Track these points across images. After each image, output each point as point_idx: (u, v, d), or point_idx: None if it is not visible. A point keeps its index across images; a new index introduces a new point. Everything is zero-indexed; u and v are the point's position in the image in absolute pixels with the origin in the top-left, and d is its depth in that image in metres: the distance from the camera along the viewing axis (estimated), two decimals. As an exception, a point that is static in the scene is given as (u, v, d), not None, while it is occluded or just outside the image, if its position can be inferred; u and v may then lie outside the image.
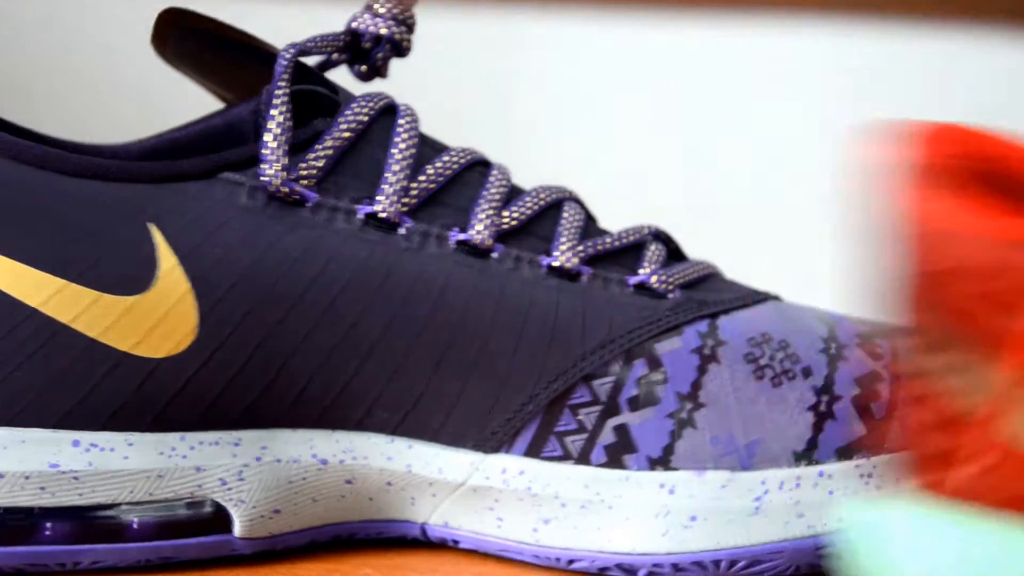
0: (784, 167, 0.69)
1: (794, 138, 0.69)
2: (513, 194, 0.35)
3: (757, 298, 0.35)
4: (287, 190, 0.31)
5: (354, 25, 0.36)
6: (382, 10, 0.36)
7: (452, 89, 0.63)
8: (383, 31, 0.36)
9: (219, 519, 0.32)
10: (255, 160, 0.31)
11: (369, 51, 0.36)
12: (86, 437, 0.30)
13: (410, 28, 0.37)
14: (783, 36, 0.68)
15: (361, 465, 0.32)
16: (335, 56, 0.37)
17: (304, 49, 0.33)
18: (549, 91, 0.71)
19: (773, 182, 0.69)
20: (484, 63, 0.69)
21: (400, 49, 0.36)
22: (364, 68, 0.37)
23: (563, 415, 0.32)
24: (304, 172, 0.31)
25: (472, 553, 0.34)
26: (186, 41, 0.36)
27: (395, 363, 0.31)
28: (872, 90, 0.68)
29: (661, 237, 0.36)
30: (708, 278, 0.36)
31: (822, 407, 0.32)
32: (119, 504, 0.30)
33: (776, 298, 0.36)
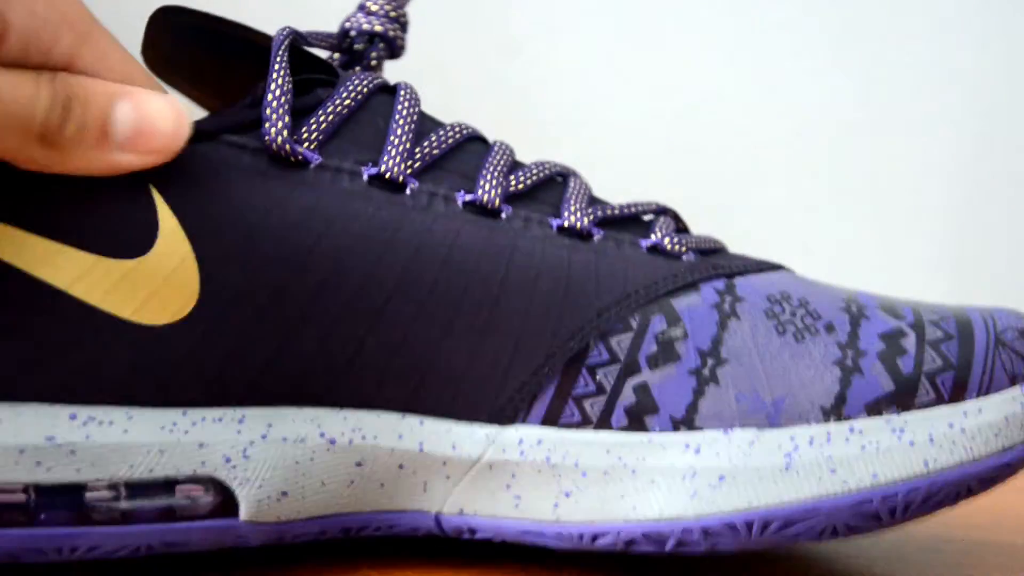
0: (787, 166, 0.69)
1: (796, 136, 0.69)
2: (516, 167, 0.34)
3: (770, 266, 0.34)
4: (289, 148, 0.30)
5: (347, 24, 0.36)
6: (375, 8, 0.36)
7: (450, 87, 0.63)
8: (377, 29, 0.35)
9: (225, 504, 0.30)
10: (258, 123, 0.30)
11: (363, 51, 0.36)
12: (84, 410, 0.28)
13: (404, 27, 0.36)
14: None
15: (371, 446, 0.31)
16: (329, 55, 0.37)
17: (299, 34, 0.33)
18: (550, 92, 0.71)
19: (775, 180, 0.69)
20: (484, 64, 0.69)
21: (394, 48, 0.36)
22: (358, 68, 0.36)
23: (580, 376, 0.31)
24: (307, 135, 0.30)
25: (475, 556, 0.33)
26: (178, 44, 0.36)
27: (403, 328, 0.30)
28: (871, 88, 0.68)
29: (668, 212, 0.36)
30: (717, 252, 0.35)
31: (848, 362, 0.31)
32: (118, 482, 0.29)
33: (784, 268, 0.36)
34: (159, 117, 0.28)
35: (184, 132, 0.28)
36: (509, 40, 0.69)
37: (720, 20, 0.68)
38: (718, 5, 0.68)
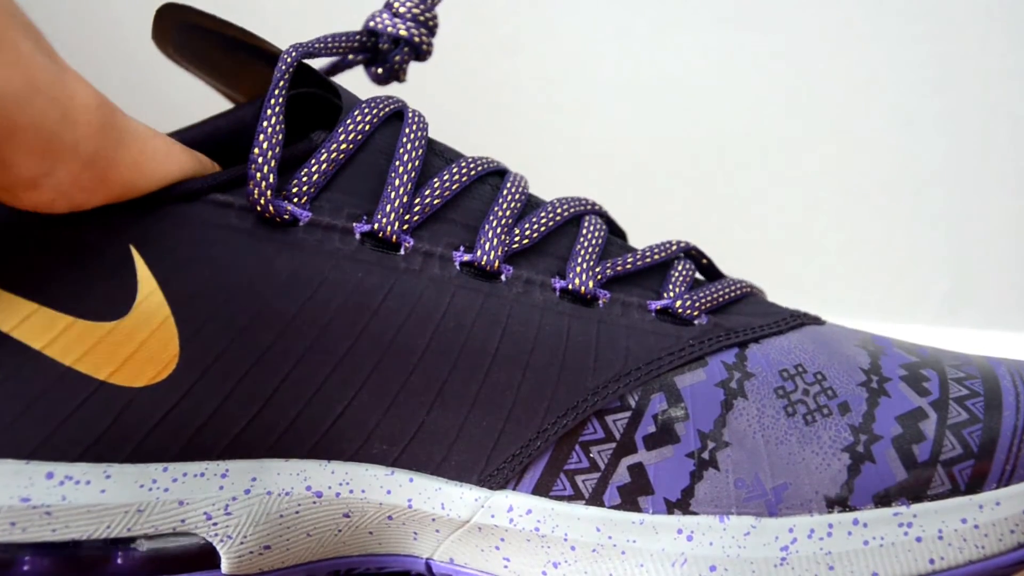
0: (788, 165, 0.67)
1: (797, 135, 0.67)
2: (529, 207, 0.32)
3: (794, 322, 0.32)
4: (274, 209, 0.28)
5: (372, 24, 0.34)
6: (402, 9, 0.33)
7: (458, 84, 0.62)
8: (402, 33, 0.33)
9: (208, 554, 0.30)
10: (245, 179, 0.29)
11: (387, 53, 0.34)
12: (60, 469, 0.28)
13: (431, 31, 0.34)
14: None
15: (359, 499, 0.30)
16: (351, 57, 0.35)
17: (310, 51, 0.31)
18: (548, 90, 0.69)
19: (776, 179, 0.67)
20: (488, 61, 0.67)
21: (420, 53, 0.34)
22: (380, 71, 0.34)
23: (574, 452, 0.29)
24: (296, 189, 0.29)
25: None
26: (189, 38, 0.34)
27: (392, 393, 0.29)
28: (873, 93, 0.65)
29: (692, 254, 0.34)
30: (742, 299, 0.33)
31: (859, 448, 0.29)
32: (97, 539, 0.28)
33: (817, 320, 0.33)
34: None
35: None
36: (508, 38, 0.66)
37: (721, 19, 0.65)
38: (719, 5, 0.65)
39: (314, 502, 0.30)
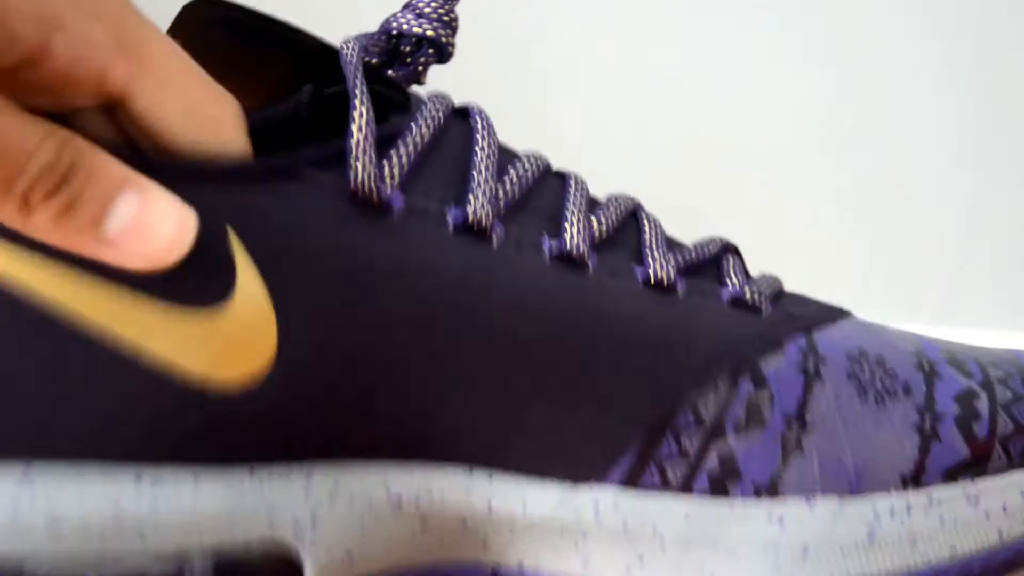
0: (790, 164, 0.69)
1: (801, 135, 0.68)
2: (594, 205, 0.32)
3: (835, 314, 0.33)
4: (376, 193, 0.27)
5: (392, 25, 0.33)
6: (427, 10, 0.33)
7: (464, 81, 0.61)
8: (429, 33, 0.33)
9: (292, 562, 0.28)
10: (339, 157, 0.27)
11: (407, 55, 0.33)
12: (150, 473, 0.26)
13: (454, 30, 0.34)
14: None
15: (438, 502, 0.29)
16: (372, 60, 0.34)
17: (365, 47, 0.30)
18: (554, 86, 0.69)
19: (779, 178, 0.69)
20: (488, 60, 0.67)
21: (444, 54, 0.34)
22: (400, 74, 0.34)
23: (664, 439, 0.29)
24: (387, 173, 0.28)
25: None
26: (209, 33, 0.33)
27: (489, 388, 0.28)
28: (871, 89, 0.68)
29: (730, 250, 0.34)
30: (782, 292, 0.34)
31: (927, 427, 0.30)
32: (186, 551, 0.26)
33: (848, 314, 0.35)
34: (161, 223, 0.24)
35: (180, 249, 0.25)
36: (510, 36, 0.67)
37: (726, 17, 0.67)
38: (725, 2, 0.67)
39: (394, 508, 0.29)
